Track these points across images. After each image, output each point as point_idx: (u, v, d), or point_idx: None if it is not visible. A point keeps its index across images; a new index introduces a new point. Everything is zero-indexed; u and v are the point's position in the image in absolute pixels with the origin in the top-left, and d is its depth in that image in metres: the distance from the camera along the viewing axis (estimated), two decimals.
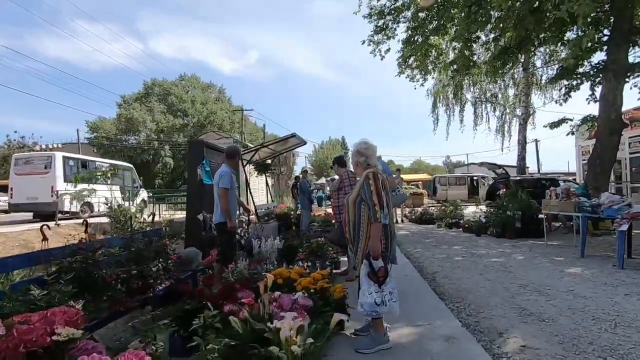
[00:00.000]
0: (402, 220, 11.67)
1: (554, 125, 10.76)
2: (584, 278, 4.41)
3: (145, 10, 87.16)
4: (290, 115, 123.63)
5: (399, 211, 11.59)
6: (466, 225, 9.24)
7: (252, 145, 9.79)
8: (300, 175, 8.89)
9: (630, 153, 13.32)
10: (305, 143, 9.73)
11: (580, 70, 9.67)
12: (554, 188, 7.71)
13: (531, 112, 14.88)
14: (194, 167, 4.97)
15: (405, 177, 34.69)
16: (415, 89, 12.72)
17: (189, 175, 5.07)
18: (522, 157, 14.01)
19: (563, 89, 10.52)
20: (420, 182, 36.96)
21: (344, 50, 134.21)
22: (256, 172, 8.80)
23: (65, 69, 67.93)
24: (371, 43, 12.85)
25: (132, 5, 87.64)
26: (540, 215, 7.93)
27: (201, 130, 43.54)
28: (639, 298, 3.58)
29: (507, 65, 9.98)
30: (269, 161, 9.39)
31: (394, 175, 10.74)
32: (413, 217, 12.23)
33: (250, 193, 8.39)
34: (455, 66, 10.90)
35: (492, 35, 10.15)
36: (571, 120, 10.68)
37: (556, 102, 10.88)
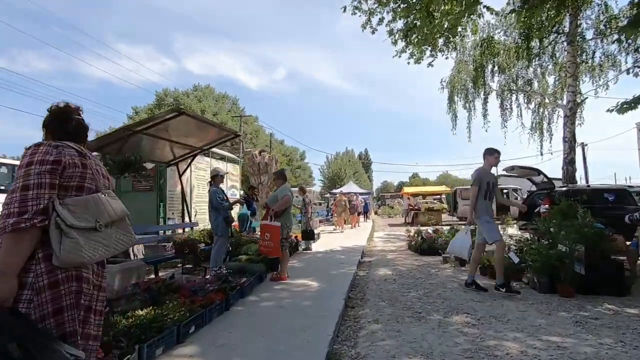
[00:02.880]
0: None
1: (627, 107, 7.01)
2: None
3: (179, 31, 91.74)
4: (312, 128, 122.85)
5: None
6: (487, 264, 5.64)
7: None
8: (209, 182, 5.70)
9: None
10: (235, 135, 6.60)
11: None
12: None
13: (579, 100, 11.00)
14: None
15: (426, 189, 30.55)
16: (408, 63, 9.24)
17: None
18: (569, 161, 10.08)
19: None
20: (443, 196, 32.52)
21: (368, 64, 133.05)
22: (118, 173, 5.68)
23: (108, 89, 73.61)
24: (356, 11, 9.71)
25: (167, 26, 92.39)
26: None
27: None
28: None
29: (541, 10, 6.44)
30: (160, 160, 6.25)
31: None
32: (413, 242, 8.69)
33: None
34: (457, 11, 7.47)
35: None
36: None
37: (628, 72, 7.16)
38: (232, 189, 11.96)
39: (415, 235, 9.47)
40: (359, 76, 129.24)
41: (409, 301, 4.27)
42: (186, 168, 6.73)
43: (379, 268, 6.55)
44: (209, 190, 5.47)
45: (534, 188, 10.17)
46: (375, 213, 35.58)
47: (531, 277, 4.78)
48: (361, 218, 20.57)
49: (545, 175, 8.20)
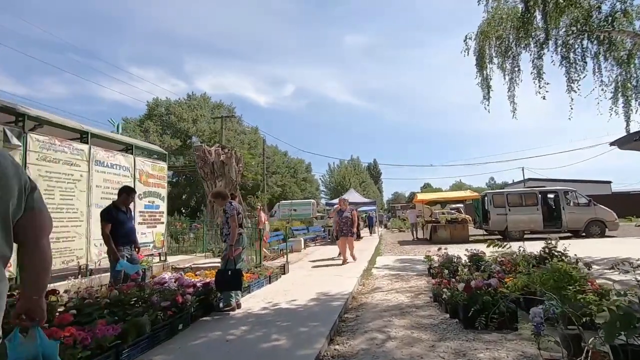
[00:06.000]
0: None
1: None
2: None
3: (189, 53, 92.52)
4: (319, 141, 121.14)
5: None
6: None
7: None
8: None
9: None
10: None
11: None
12: None
13: None
14: None
15: (442, 195, 25.36)
16: None
17: None
18: None
19: None
20: (464, 205, 27.22)
21: (374, 78, 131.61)
22: None
23: (124, 111, 76.49)
24: None
25: (178, 49, 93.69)
26: None
27: None
28: None
29: None
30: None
31: None
32: (446, 295, 4.15)
33: None
34: None
35: None
36: None
37: None
38: (150, 196, 7.67)
39: (448, 274, 4.94)
40: (365, 91, 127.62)
41: None
42: None
43: None
44: None
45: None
46: (385, 226, 30.71)
47: None
48: (365, 232, 16.01)
49: None
